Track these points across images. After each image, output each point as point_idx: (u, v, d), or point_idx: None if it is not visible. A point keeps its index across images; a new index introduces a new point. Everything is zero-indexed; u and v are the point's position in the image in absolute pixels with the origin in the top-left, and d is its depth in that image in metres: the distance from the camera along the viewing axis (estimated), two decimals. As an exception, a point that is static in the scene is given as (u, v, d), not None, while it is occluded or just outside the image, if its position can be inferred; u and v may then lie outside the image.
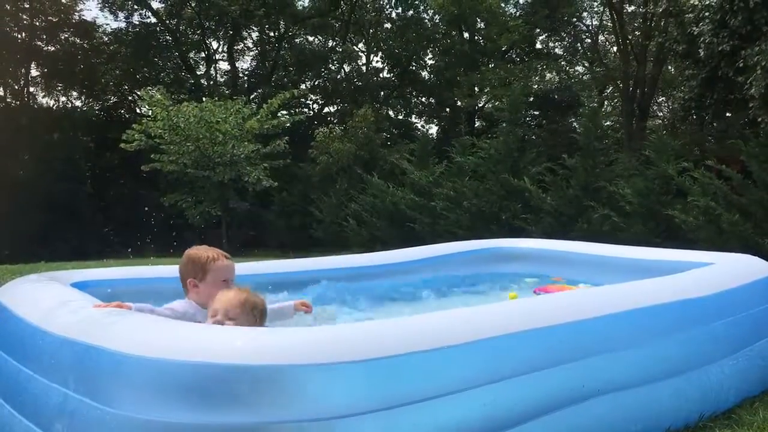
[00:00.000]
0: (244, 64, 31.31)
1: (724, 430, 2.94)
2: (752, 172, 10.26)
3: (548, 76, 24.29)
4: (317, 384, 2.01)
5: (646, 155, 12.31)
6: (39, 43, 27.88)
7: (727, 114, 14.28)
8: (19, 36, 27.40)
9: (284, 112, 21.70)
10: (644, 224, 11.54)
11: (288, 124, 18.87)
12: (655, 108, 24.74)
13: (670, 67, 20.66)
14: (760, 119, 10.08)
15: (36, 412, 2.33)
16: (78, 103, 29.98)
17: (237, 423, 1.96)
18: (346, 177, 19.57)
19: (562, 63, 25.19)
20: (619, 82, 20.28)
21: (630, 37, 19.42)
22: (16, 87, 28.72)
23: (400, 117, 31.13)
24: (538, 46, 26.61)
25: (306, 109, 29.26)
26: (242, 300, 2.65)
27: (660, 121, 23.37)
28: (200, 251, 3.09)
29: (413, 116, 31.62)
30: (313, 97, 30.36)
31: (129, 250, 23.54)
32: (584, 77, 23.84)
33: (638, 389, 2.80)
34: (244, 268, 4.24)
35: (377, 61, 29.97)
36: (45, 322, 2.51)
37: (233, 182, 17.57)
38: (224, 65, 30.64)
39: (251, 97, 24.63)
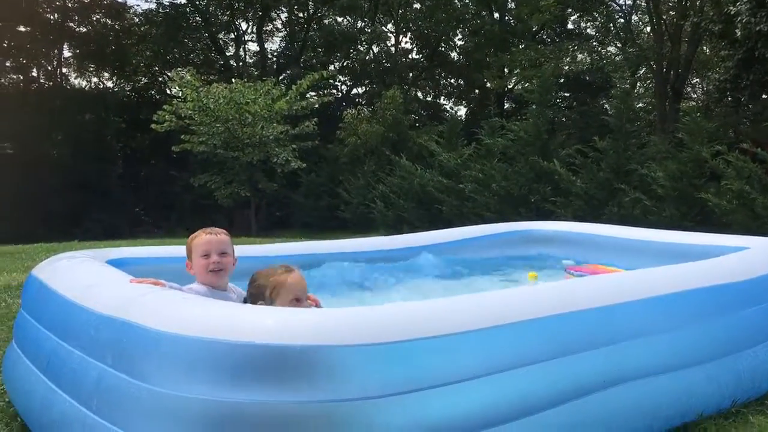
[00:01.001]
0: (273, 45, 31.37)
1: (757, 416, 2.91)
2: (789, 155, 10.06)
3: (579, 56, 23.90)
4: (337, 364, 2.03)
5: (680, 138, 12.13)
6: (71, 24, 28.18)
7: (763, 96, 13.96)
8: (52, 17, 27.71)
9: (313, 93, 21.71)
10: (676, 208, 11.39)
11: (316, 106, 18.89)
12: (689, 89, 24.29)
13: (705, 48, 20.24)
14: (797, 102, 9.87)
15: (75, 386, 2.38)
16: (109, 84, 30.30)
17: (267, 401, 1.99)
18: (374, 159, 19.57)
19: (594, 43, 24.79)
20: (652, 62, 19.90)
21: (664, 17, 19.03)
22: (49, 68, 29.10)
23: (429, 98, 30.99)
24: (570, 26, 26.25)
25: (334, 91, 29.26)
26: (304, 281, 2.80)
27: (694, 103, 22.93)
28: (191, 235, 3.12)
29: (442, 98, 31.46)
30: (342, 79, 30.32)
31: (159, 230, 23.92)
32: (616, 58, 23.40)
33: (671, 374, 2.78)
34: (274, 249, 4.29)
35: (406, 42, 29.82)
36: (83, 298, 2.56)
37: (262, 163, 17.67)
38: (253, 46, 30.72)
39: (280, 78, 24.66)
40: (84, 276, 2.89)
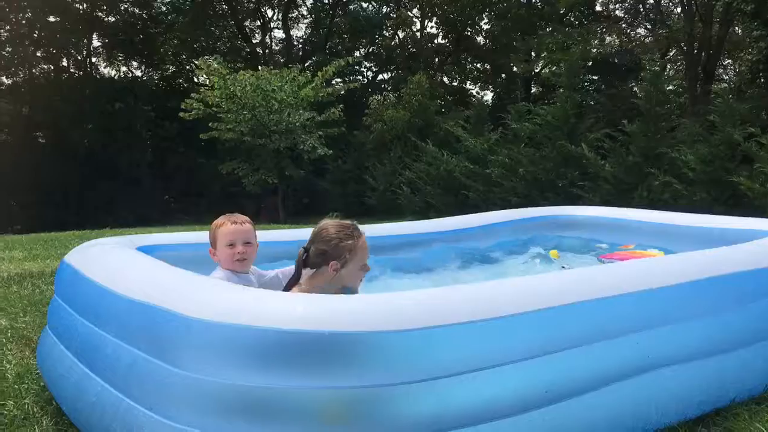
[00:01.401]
0: (299, 32, 31.42)
1: (792, 402, 2.87)
2: (824, 137, 9.84)
3: (608, 39, 23.56)
4: (365, 350, 2.04)
5: (711, 120, 11.91)
6: (100, 13, 28.47)
7: (798, 76, 13.66)
8: (81, 7, 28.02)
9: (338, 80, 21.71)
10: (708, 192, 11.21)
11: (342, 92, 18.89)
12: (720, 71, 23.81)
13: (737, 28, 19.80)
14: (833, 82, 9.61)
15: (108, 371, 2.42)
16: (138, 73, 30.59)
17: (297, 387, 2.01)
18: (400, 145, 19.54)
19: (623, 25, 24.40)
20: (683, 44, 19.54)
21: (695, -3, 18.66)
22: (79, 58, 29.46)
23: (455, 83, 30.81)
24: (598, 8, 25.82)
25: (360, 77, 29.21)
26: None
27: (726, 85, 22.46)
28: (215, 221, 3.18)
29: (468, 83, 31.25)
30: (367, 65, 30.29)
31: (188, 217, 24.15)
32: (646, 40, 23.03)
33: (704, 360, 2.75)
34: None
35: (432, 27, 29.63)
36: (115, 284, 2.60)
37: (289, 150, 17.74)
38: (279, 33, 30.81)
39: (306, 65, 24.69)
40: (115, 262, 2.93)
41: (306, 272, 2.99)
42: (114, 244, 3.29)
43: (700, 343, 2.77)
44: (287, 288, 3.04)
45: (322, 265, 2.90)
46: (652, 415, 2.56)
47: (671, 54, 22.98)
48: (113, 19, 28.81)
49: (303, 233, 4.36)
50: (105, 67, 30.32)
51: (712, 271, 2.90)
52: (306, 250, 2.96)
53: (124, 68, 30.53)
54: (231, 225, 3.11)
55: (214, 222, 3.17)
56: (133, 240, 3.56)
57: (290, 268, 3.35)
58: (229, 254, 3.06)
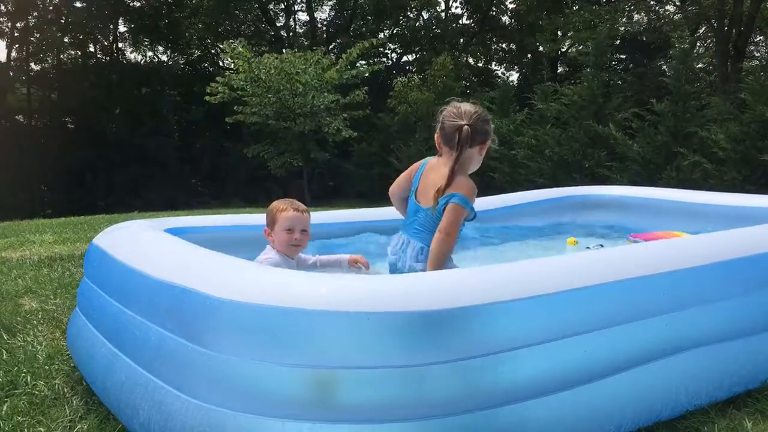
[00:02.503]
0: (323, 14, 31.33)
1: (825, 384, 2.82)
2: None
3: (636, 16, 23.13)
4: (372, 335, 2.04)
5: (742, 98, 11.67)
6: (125, -2, 28.65)
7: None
8: (106, -8, 28.24)
9: (363, 62, 21.63)
10: (738, 171, 11.01)
11: (367, 74, 18.83)
12: (752, 48, 23.26)
13: (770, 4, 19.33)
14: None
15: (137, 351, 2.45)
16: (164, 58, 30.79)
17: (315, 365, 2.02)
18: (425, 127, 19.44)
19: (652, 2, 23.94)
20: (713, 21, 19.11)
21: (727, -28, 18.22)
22: (105, 43, 29.72)
23: (480, 64, 30.56)
24: (626, -15, 25.37)
25: (384, 59, 29.07)
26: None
27: (757, 62, 22.00)
28: (276, 203, 3.31)
29: (493, 63, 30.98)
30: (392, 47, 30.12)
31: (215, 200, 24.35)
32: (675, 17, 22.58)
33: (734, 342, 2.70)
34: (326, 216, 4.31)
35: (456, 7, 29.39)
36: (143, 265, 2.62)
37: (313, 133, 17.76)
38: (303, 16, 30.74)
39: (330, 47, 24.66)
40: (143, 244, 2.96)
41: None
42: (142, 227, 3.31)
43: (730, 324, 2.72)
44: None
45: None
46: (681, 397, 2.53)
47: (701, 31, 22.51)
48: (138, 4, 28.96)
49: (328, 216, 4.38)
50: (131, 53, 30.58)
51: (742, 251, 2.84)
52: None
53: (150, 53, 30.74)
54: (292, 211, 3.24)
55: (275, 205, 3.30)
56: (161, 222, 3.59)
57: (327, 257, 3.55)
58: (286, 239, 3.21)
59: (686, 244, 2.96)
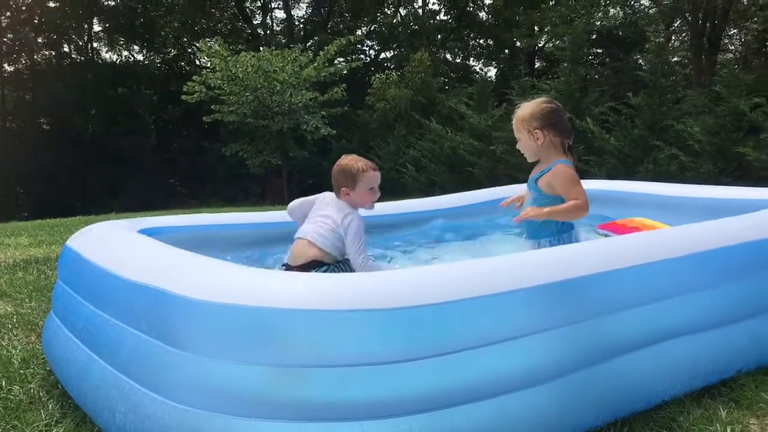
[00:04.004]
0: (300, 11, 31.21)
1: (799, 372, 2.86)
2: (831, 105, 9.74)
3: (612, 11, 23.29)
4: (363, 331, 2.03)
5: (717, 91, 11.80)
6: (99, -3, 28.35)
7: (805, 45, 13.48)
8: (80, -9, 27.91)
9: (341, 59, 21.57)
10: (714, 163, 11.14)
11: (345, 72, 18.80)
12: (726, 41, 23.50)
13: (743, -3, 19.56)
14: (841, 49, 9.48)
15: (112, 354, 2.43)
16: (140, 57, 30.50)
17: (290, 364, 2.02)
18: (404, 123, 19.45)
19: (627, -3, 24.13)
20: (687, 14, 19.28)
21: (700, -34, 18.40)
22: (80, 43, 29.39)
23: (458, 60, 30.64)
24: (601, -20, 25.55)
25: (362, 56, 29.03)
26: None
27: (731, 55, 22.25)
28: (350, 163, 3.44)
29: (471, 59, 31.07)
30: (370, 43, 30.11)
31: (194, 200, 24.21)
32: (650, 11, 22.75)
33: (710, 332, 2.73)
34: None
35: (433, 4, 29.43)
36: (117, 267, 2.60)
37: (292, 131, 17.71)
38: (280, 13, 30.66)
39: (307, 45, 24.58)
40: (117, 245, 2.93)
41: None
42: (116, 228, 3.28)
43: (705, 314, 2.75)
44: None
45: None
46: (657, 387, 2.55)
47: (676, 25, 22.71)
48: (113, 3, 28.66)
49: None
50: (106, 52, 30.26)
51: (718, 241, 2.88)
52: None
53: (125, 52, 30.44)
54: (374, 171, 3.45)
55: (350, 165, 3.42)
56: (136, 223, 3.56)
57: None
58: (368, 196, 3.43)
59: (662, 236, 2.99)
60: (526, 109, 3.52)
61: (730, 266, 2.88)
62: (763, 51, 14.32)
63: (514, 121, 3.57)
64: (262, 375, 2.02)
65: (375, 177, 3.46)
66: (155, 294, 2.27)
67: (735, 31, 23.99)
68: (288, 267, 3.34)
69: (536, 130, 3.45)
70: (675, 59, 20.63)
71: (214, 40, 19.02)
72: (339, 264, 3.37)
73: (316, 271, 3.25)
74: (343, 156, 3.56)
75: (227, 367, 2.05)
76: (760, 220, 3.25)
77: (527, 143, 3.52)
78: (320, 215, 3.42)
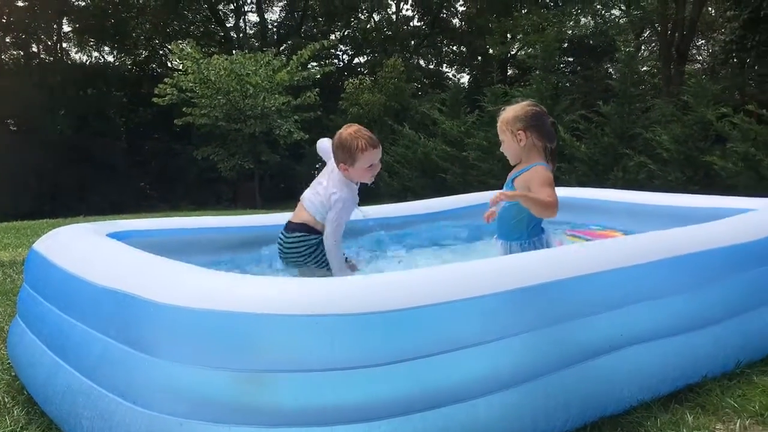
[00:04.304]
0: (273, 15, 31.10)
1: (762, 377, 2.91)
2: (795, 116, 9.96)
3: (583, 20, 23.63)
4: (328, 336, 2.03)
5: (685, 100, 11.99)
6: (69, -3, 27.96)
7: (770, 56, 13.79)
8: (50, -9, 27.49)
9: (314, 63, 21.57)
10: (681, 171, 11.31)
11: (318, 76, 18.78)
12: (694, 52, 23.97)
13: (710, 9, 19.94)
14: (804, 61, 9.71)
15: (79, 359, 2.39)
16: (110, 59, 30.13)
17: (260, 369, 2.01)
18: (376, 128, 19.45)
19: (598, 6, 24.45)
20: (656, 25, 19.63)
21: (669, -22, 18.74)
22: (49, 43, 28.95)
23: (431, 66, 30.76)
24: (573, -11, 25.86)
25: (336, 60, 29.02)
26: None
27: (699, 65, 22.69)
28: (350, 139, 3.46)
29: (444, 65, 31.21)
30: (343, 48, 30.09)
31: (164, 203, 23.97)
32: (620, 21, 23.11)
33: (676, 338, 2.77)
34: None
35: (407, 10, 29.52)
36: (84, 271, 2.56)
37: (264, 135, 17.62)
38: (253, 17, 30.47)
39: (281, 49, 24.52)
40: (85, 249, 2.89)
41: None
42: (83, 231, 3.23)
43: (672, 320, 2.79)
44: None
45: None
46: (625, 392, 2.58)
47: (645, 35, 23.11)
48: (83, 4, 28.28)
49: (279, 218, 4.34)
50: (76, 53, 29.84)
51: (684, 249, 2.92)
52: None
53: (95, 53, 30.05)
54: (373, 149, 3.46)
55: (350, 142, 3.43)
56: (104, 226, 3.51)
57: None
58: (367, 173, 3.49)
59: (629, 242, 3.03)
60: (510, 111, 3.55)
61: (696, 273, 2.93)
62: (730, 62, 14.60)
63: (498, 123, 3.61)
64: (232, 380, 2.01)
65: (374, 155, 3.47)
66: (123, 298, 2.24)
67: (703, 42, 24.47)
68: (289, 222, 3.62)
69: (519, 132, 3.48)
70: (644, 69, 20.98)
71: (186, 42, 18.84)
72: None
73: (302, 240, 3.47)
74: (345, 126, 3.56)
75: (196, 373, 2.04)
76: (726, 227, 3.32)
77: (510, 144, 3.56)
78: (319, 182, 3.61)
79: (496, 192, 3.30)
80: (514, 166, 3.62)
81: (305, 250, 3.55)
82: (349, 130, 3.50)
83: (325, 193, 3.50)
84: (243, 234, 4.01)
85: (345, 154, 3.44)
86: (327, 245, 3.48)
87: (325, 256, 3.54)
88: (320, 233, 3.54)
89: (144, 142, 27.85)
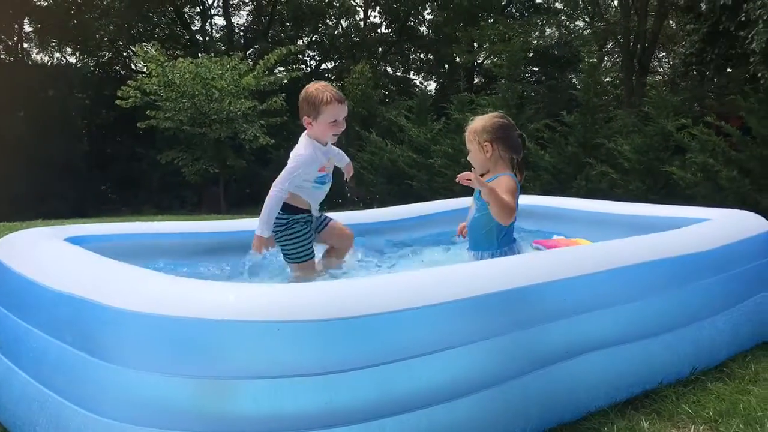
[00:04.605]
0: (240, 19, 30.90)
1: (716, 384, 2.98)
2: (751, 128, 10.18)
3: (548, 31, 23.99)
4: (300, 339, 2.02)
5: (646, 111, 12.22)
6: (31, -3, 27.44)
7: (728, 69, 14.10)
8: (11, -10, 26.94)
9: (281, 68, 21.46)
10: (642, 181, 11.52)
11: (285, 81, 18.68)
12: (655, 64, 24.47)
13: (671, 22, 20.37)
14: (760, 75, 9.95)
15: (34, 366, 2.35)
16: (72, 60, 29.62)
17: (221, 376, 1.99)
18: (343, 134, 19.32)
19: (562, 18, 24.84)
20: (619, 37, 19.99)
21: (631, -9, 19.11)
22: (10, 43, 28.35)
23: (398, 73, 30.84)
24: (538, 0, 26.21)
25: (303, 66, 28.93)
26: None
27: (660, 77, 23.14)
28: (315, 91, 3.39)
29: (411, 73, 31.31)
30: (311, 54, 30.02)
31: (126, 207, 23.61)
32: (584, 32, 23.50)
33: (632, 344, 2.82)
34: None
35: (375, 16, 29.56)
36: (40, 276, 2.51)
37: (230, 140, 17.48)
38: (220, 21, 30.23)
39: (247, 53, 24.38)
40: (42, 253, 2.84)
41: None
42: (41, 235, 3.18)
43: (628, 327, 2.84)
44: None
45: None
46: (582, 399, 2.62)
47: (608, 46, 23.50)
48: (45, 4, 27.78)
49: (243, 224, 4.31)
50: (37, 53, 29.27)
51: (640, 257, 2.98)
52: None
53: (57, 54, 29.51)
54: (339, 104, 3.35)
55: (315, 94, 3.36)
56: (62, 231, 3.45)
57: (340, 152, 3.87)
58: (329, 129, 3.39)
59: (586, 251, 3.08)
60: (479, 121, 3.61)
61: (652, 281, 2.99)
62: (690, 74, 14.92)
63: (466, 132, 3.67)
64: (192, 387, 1.99)
65: (339, 109, 3.39)
66: (81, 304, 2.21)
67: (664, 54, 24.98)
68: None
69: (486, 143, 3.53)
70: (607, 80, 21.33)
71: (150, 44, 18.62)
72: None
73: (277, 218, 3.47)
74: (313, 82, 3.52)
75: (156, 380, 2.02)
76: (682, 237, 3.39)
77: (477, 155, 3.60)
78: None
79: (461, 175, 3.29)
80: (482, 176, 3.65)
81: (275, 228, 3.52)
82: (316, 85, 3.48)
83: (293, 156, 3.50)
84: (204, 240, 3.97)
85: (309, 107, 3.39)
86: (270, 193, 3.43)
87: (289, 237, 3.50)
88: (289, 211, 3.49)
89: (106, 146, 27.41)
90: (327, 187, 3.68)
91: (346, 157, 3.94)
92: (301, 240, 3.59)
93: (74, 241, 3.19)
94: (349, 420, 2.05)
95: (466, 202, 5.69)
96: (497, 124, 3.57)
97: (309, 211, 3.60)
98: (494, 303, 2.41)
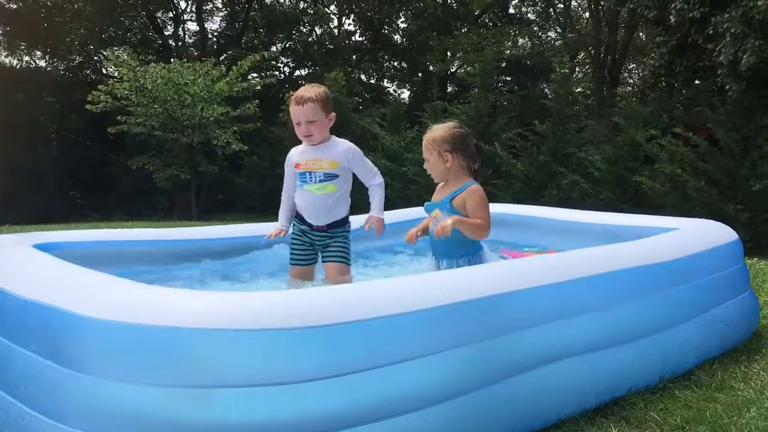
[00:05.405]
0: (214, 25, 30.72)
1: (684, 391, 3.01)
2: (719, 139, 10.38)
3: (521, 41, 24.20)
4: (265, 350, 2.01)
5: (616, 122, 12.39)
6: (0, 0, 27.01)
7: (696, 81, 14.35)
8: (-21, -8, 26.52)
9: (254, 74, 21.41)
10: (612, 190, 11.67)
11: (258, 87, 18.62)
12: (625, 75, 24.83)
13: (641, 34, 20.69)
14: (727, 87, 10.14)
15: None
16: (42, 63, 29.20)
17: (191, 384, 1.97)
18: (318, 141, 19.37)
19: (535, 28, 25.08)
20: (590, 48, 20.30)
21: (602, 3, 19.38)
22: (-23, 46, 27.88)
23: (372, 81, 30.88)
24: (511, 10, 26.45)
25: (277, 72, 28.86)
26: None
27: (630, 88, 23.46)
28: (297, 92, 3.54)
29: (385, 80, 31.39)
30: (284, 60, 29.93)
31: (96, 213, 23.29)
32: (556, 43, 23.77)
33: (602, 352, 2.85)
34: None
35: (349, 24, 29.62)
36: (7, 283, 2.47)
37: (202, 145, 17.36)
38: (193, 26, 30.05)
39: (220, 59, 24.24)
40: (8, 260, 2.79)
41: None
42: (7, 242, 3.12)
43: (599, 335, 2.87)
44: None
45: None
46: (552, 406, 2.64)
47: (580, 57, 23.79)
48: (15, 6, 27.37)
49: (213, 231, 4.28)
50: (6, 56, 28.80)
51: (609, 266, 3.02)
52: None
53: (26, 57, 29.07)
54: (294, 106, 3.47)
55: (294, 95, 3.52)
56: (29, 237, 3.40)
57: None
58: (297, 132, 3.57)
59: (555, 260, 3.10)
60: (437, 131, 3.63)
61: (622, 289, 3.02)
62: (659, 86, 15.15)
63: (425, 141, 3.69)
64: (160, 396, 1.97)
65: (294, 112, 3.51)
66: (48, 312, 2.18)
67: (634, 65, 25.35)
68: None
69: (446, 153, 3.56)
70: (578, 90, 21.59)
71: (122, 49, 18.45)
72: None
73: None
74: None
75: (125, 389, 1.99)
76: (651, 246, 3.44)
77: (436, 164, 3.63)
78: None
79: (438, 227, 3.35)
80: (440, 183, 3.69)
81: None
82: (304, 87, 3.63)
83: None
84: (174, 247, 3.93)
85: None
86: None
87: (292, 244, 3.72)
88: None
89: (76, 150, 27.01)
90: (314, 188, 3.70)
91: (378, 201, 3.94)
92: (292, 242, 3.76)
93: (42, 247, 3.15)
94: (320, 428, 2.04)
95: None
96: (456, 134, 3.62)
97: (301, 218, 3.59)
98: (464, 311, 2.42)
